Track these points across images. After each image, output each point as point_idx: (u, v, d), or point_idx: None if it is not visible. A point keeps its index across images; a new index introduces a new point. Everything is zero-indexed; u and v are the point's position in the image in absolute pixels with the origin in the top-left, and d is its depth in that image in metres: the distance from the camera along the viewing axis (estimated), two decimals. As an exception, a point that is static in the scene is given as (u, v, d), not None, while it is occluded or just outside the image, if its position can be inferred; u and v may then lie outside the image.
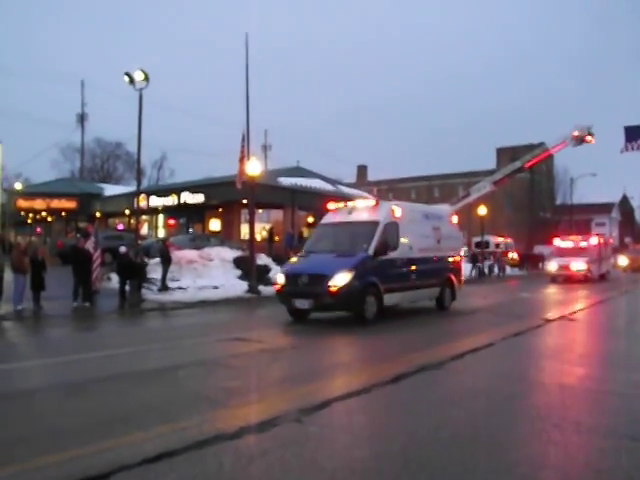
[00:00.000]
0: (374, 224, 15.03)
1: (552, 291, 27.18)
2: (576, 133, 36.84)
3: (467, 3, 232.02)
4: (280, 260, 26.66)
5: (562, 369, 9.18)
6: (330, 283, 13.53)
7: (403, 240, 15.58)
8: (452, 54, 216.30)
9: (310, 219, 40.89)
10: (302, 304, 14.18)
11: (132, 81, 21.82)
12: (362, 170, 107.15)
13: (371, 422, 6.15)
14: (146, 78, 21.69)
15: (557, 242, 38.65)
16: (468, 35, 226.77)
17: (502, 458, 4.98)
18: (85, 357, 10.04)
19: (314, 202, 41.47)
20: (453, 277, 18.08)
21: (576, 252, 35.33)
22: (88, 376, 8.46)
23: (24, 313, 15.72)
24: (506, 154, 77.35)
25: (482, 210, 41.90)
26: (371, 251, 14.36)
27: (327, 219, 16.83)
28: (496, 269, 42.70)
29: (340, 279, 13.56)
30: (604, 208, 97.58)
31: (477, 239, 49.97)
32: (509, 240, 56.69)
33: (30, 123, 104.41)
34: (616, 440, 5.46)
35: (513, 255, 50.55)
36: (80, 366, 9.31)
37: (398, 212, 15.78)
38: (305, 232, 38.16)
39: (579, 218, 78.50)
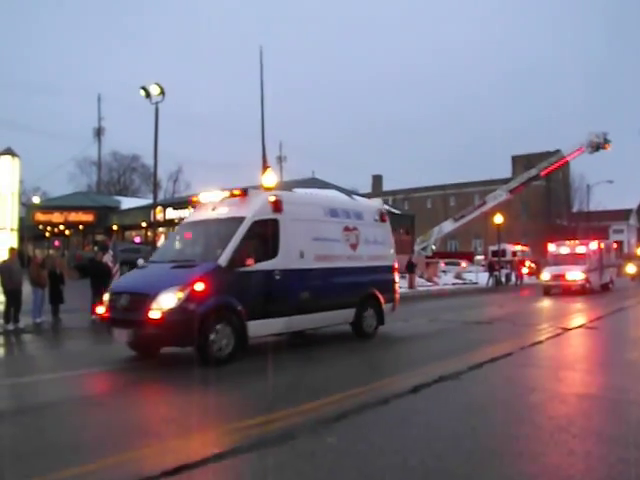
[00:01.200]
0: (237, 221, 11.06)
1: (570, 300, 26.92)
2: (592, 139, 36.77)
3: (480, 15, 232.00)
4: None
5: (582, 379, 9.10)
6: (152, 306, 9.66)
7: (288, 245, 11.49)
8: (467, 65, 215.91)
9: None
10: (120, 335, 10.41)
11: (148, 95, 22.05)
12: (377, 180, 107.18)
13: (389, 433, 6.12)
14: (162, 92, 21.92)
15: (551, 248, 33.85)
16: (484, 47, 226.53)
17: (522, 469, 4.94)
18: (104, 370, 10.08)
19: (330, 213, 41.46)
20: (378, 294, 13.59)
21: (573, 259, 31.16)
22: (107, 389, 8.50)
23: (43, 326, 15.84)
24: (521, 162, 77.12)
25: (498, 218, 41.68)
26: (224, 260, 10.38)
27: (189, 217, 13.67)
28: (513, 277, 42.42)
29: (165, 300, 9.66)
30: (621, 215, 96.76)
31: (494, 247, 49.73)
32: (526, 248, 56.39)
33: (47, 137, 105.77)
34: (638, 451, 5.40)
35: (530, 263, 50.19)
36: (99, 379, 9.36)
37: (279, 205, 11.59)
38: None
39: (596, 225, 77.85)
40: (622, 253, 73.93)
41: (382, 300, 13.70)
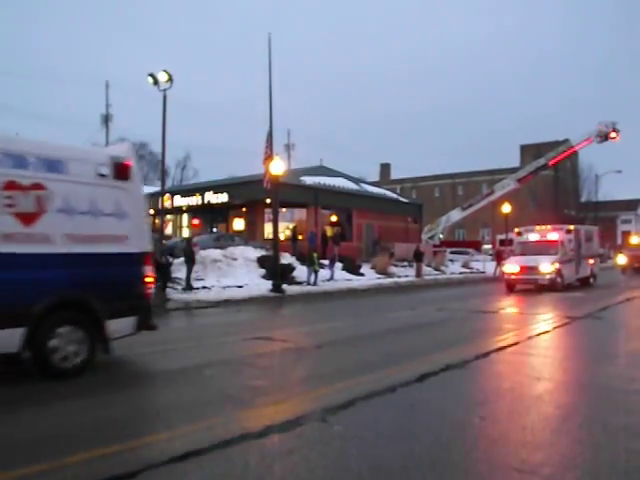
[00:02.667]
0: None
1: (578, 288, 26.81)
2: (601, 129, 36.52)
3: (491, 7, 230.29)
4: (304, 259, 26.74)
5: (588, 368, 9.10)
6: None
7: None
8: (477, 56, 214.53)
9: (333, 218, 40.94)
10: None
11: (156, 82, 22.02)
12: (385, 168, 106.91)
13: (396, 421, 6.15)
14: (170, 79, 21.88)
15: (518, 236, 29.24)
16: (493, 38, 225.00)
17: (528, 458, 4.96)
18: (111, 357, 10.13)
19: (338, 201, 41.53)
20: (93, 303, 8.35)
21: (544, 248, 26.13)
22: (115, 376, 8.55)
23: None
24: (530, 151, 76.82)
25: (506, 208, 41.54)
26: None
27: None
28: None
29: None
30: (630, 205, 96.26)
31: (501, 236, 49.61)
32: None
33: (55, 125, 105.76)
34: (644, 440, 5.42)
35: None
36: (107, 367, 9.41)
37: None
38: (329, 231, 38.21)
39: (604, 215, 77.56)
40: (616, 244, 73.26)
41: (104, 312, 8.48)
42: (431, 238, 42.63)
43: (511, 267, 25.92)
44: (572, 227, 28.16)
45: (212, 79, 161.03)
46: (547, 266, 24.85)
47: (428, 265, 36.74)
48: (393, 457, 5.01)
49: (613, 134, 38.00)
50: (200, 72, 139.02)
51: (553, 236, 26.91)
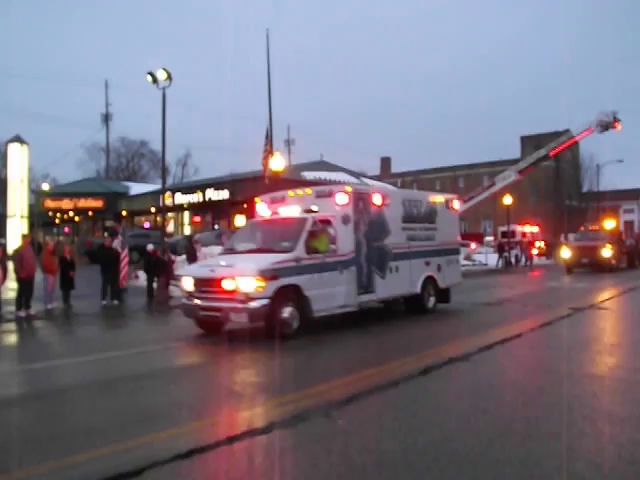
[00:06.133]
0: None
1: (580, 279, 26.78)
2: (601, 119, 36.37)
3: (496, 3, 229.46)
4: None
5: (592, 359, 9.09)
6: None
7: None
8: (476, 42, 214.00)
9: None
10: None
11: (155, 80, 21.95)
12: (386, 162, 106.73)
13: (400, 415, 6.15)
14: (169, 77, 21.80)
15: (259, 207, 14.41)
16: (490, 23, 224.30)
17: (533, 450, 4.96)
18: (115, 355, 10.16)
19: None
20: None
21: (276, 237, 12.35)
22: (119, 374, 8.56)
23: (54, 312, 15.94)
24: (530, 142, 76.53)
25: (508, 199, 41.45)
26: None
27: None
28: (523, 259, 42.25)
29: None
30: (632, 194, 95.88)
31: (503, 228, 49.52)
32: (536, 229, 56.03)
33: (56, 124, 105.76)
34: (649, 431, 5.41)
35: (540, 244, 49.88)
36: (110, 364, 9.43)
37: None
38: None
39: (606, 205, 77.35)
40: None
41: None
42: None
43: (187, 281, 11.94)
44: (349, 189, 12.92)
45: (212, 76, 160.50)
46: (246, 282, 10.61)
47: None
48: (397, 451, 5.01)
49: (615, 123, 37.84)
50: (200, 69, 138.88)
51: (293, 211, 12.95)
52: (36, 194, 55.07)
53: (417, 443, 5.17)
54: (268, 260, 11.06)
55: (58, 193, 54.08)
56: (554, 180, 76.60)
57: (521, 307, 16.35)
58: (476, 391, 7.11)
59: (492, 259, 39.16)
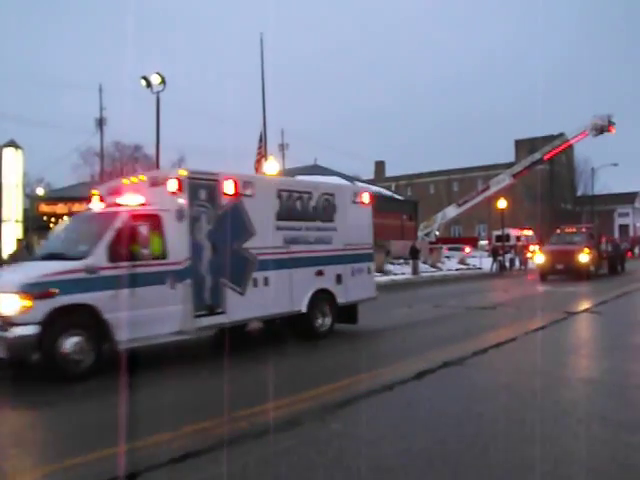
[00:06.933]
0: None
1: (575, 283, 26.75)
2: (596, 122, 36.44)
3: (488, 10, 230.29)
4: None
5: (586, 363, 9.12)
6: None
7: None
8: (471, 47, 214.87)
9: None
10: None
11: (149, 85, 21.99)
12: (380, 166, 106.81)
13: (394, 419, 6.14)
14: (163, 82, 21.86)
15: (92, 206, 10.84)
16: (484, 29, 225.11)
17: (527, 454, 4.96)
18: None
19: (333, 200, 41.42)
20: None
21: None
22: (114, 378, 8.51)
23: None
24: (525, 146, 76.84)
25: (502, 203, 41.54)
26: None
27: None
28: (517, 262, 42.28)
29: None
30: (627, 198, 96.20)
31: (498, 232, 49.62)
32: (530, 232, 56.16)
33: (50, 129, 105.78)
34: (643, 434, 5.42)
35: (534, 248, 49.91)
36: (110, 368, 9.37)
37: None
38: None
39: (601, 209, 77.57)
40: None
41: None
42: (427, 235, 42.69)
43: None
44: (184, 172, 9.89)
45: (206, 80, 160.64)
46: (4, 300, 7.99)
47: (424, 262, 36.74)
48: (391, 455, 5.01)
49: (609, 127, 37.95)
50: (193, 74, 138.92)
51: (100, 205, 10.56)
52: (31, 199, 54.88)
53: (411, 447, 5.19)
54: (40, 271, 8.34)
55: (53, 197, 53.92)
56: (549, 183, 76.88)
57: (515, 311, 16.35)
58: (470, 395, 7.11)
59: (486, 263, 39.21)
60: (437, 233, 43.59)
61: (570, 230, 31.90)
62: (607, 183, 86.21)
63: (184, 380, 8.29)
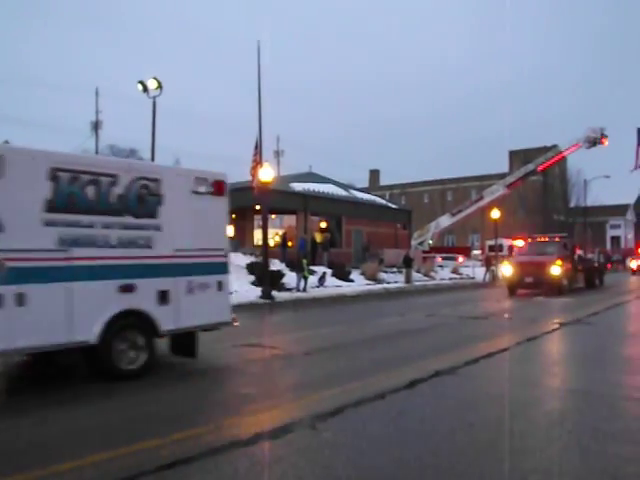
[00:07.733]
0: None
1: (569, 294, 26.76)
2: (589, 135, 36.52)
3: (478, 21, 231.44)
4: (293, 266, 26.70)
5: (577, 374, 9.12)
6: None
7: None
8: (466, 64, 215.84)
9: (323, 224, 40.98)
10: None
11: (145, 89, 22.01)
12: (374, 174, 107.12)
13: (385, 428, 6.13)
14: (159, 86, 21.88)
15: None
16: (479, 45, 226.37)
17: (518, 465, 4.95)
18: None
19: (327, 207, 41.55)
20: None
21: None
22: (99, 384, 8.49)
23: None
24: (519, 157, 77.27)
25: (495, 213, 41.65)
26: None
27: None
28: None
29: None
30: (619, 210, 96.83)
31: (491, 242, 49.71)
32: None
33: (46, 132, 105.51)
34: (634, 446, 5.43)
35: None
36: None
37: None
38: (318, 237, 38.23)
39: (593, 220, 77.90)
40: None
41: None
42: (420, 244, 42.64)
43: None
44: None
45: (201, 86, 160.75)
46: None
47: (417, 271, 36.77)
48: (382, 464, 4.99)
49: (602, 139, 38.04)
50: (189, 79, 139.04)
51: None
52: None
53: (402, 457, 5.16)
54: None
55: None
56: (542, 195, 77.18)
57: (507, 321, 16.39)
58: (462, 405, 7.10)
59: (479, 273, 39.29)
60: (430, 242, 43.57)
61: (542, 239, 29.91)
62: (599, 195, 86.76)
63: None
